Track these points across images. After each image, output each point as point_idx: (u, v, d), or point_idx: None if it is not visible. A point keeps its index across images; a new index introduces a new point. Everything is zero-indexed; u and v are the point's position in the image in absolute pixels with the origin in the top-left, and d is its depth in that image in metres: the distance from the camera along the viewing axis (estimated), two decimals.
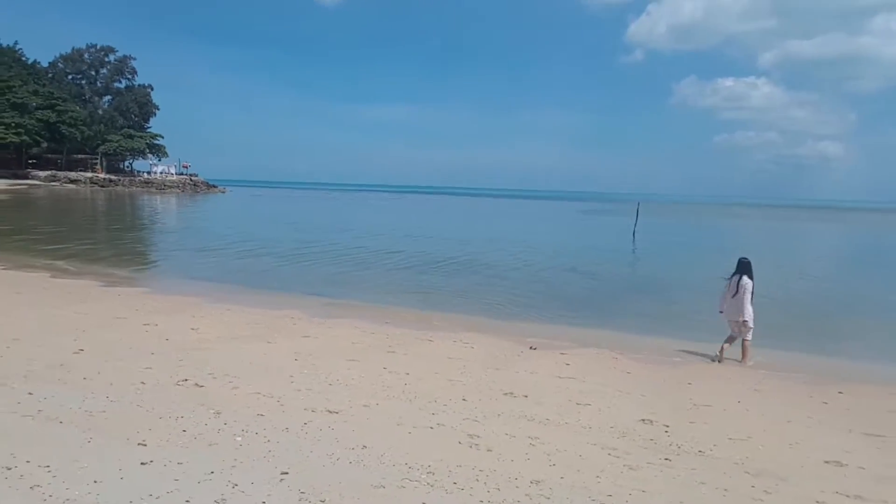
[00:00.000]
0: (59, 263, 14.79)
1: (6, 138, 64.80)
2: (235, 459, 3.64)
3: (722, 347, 8.22)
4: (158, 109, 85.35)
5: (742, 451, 4.53)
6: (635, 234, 30.37)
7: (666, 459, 4.27)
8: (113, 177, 72.98)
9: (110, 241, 21.90)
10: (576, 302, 12.94)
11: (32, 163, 71.25)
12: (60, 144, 72.39)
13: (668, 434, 4.86)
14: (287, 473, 3.50)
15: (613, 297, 14.03)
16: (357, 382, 5.73)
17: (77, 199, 49.67)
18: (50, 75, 79.32)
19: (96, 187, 68.43)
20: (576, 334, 9.59)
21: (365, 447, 4.03)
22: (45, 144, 70.95)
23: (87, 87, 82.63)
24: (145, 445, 3.76)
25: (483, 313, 11.21)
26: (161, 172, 77.47)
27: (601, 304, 12.95)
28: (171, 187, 74.17)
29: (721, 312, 8.44)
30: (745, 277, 8.07)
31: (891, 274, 21.30)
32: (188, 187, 75.77)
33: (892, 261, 26.91)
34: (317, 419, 4.55)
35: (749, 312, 7.99)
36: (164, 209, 45.21)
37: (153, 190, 71.69)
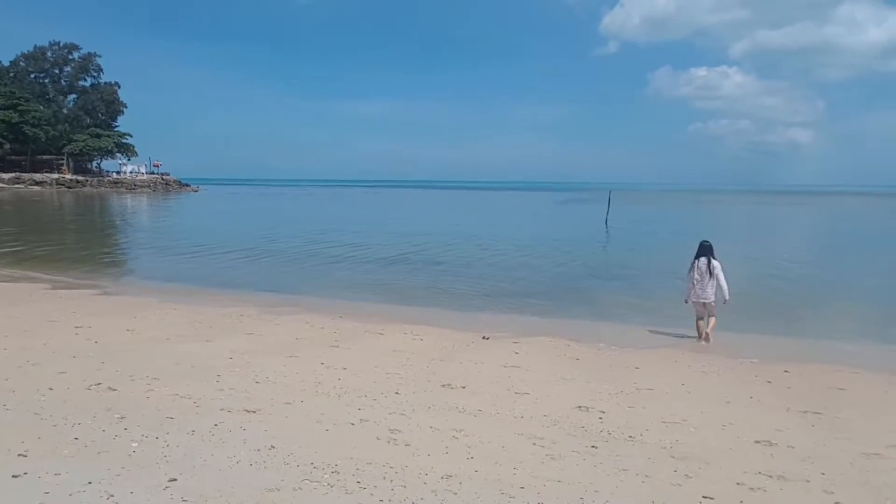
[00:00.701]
0: (7, 267, 14.19)
1: None
2: (123, 468, 3.38)
3: (699, 329, 8.27)
4: (126, 108, 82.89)
5: (672, 435, 4.41)
6: (608, 223, 30.47)
7: (592, 447, 4.12)
8: (80, 177, 70.86)
9: (67, 243, 21.16)
10: (538, 292, 12.81)
11: None
12: (24, 145, 70.00)
13: (601, 420, 4.72)
14: (175, 480, 3.25)
15: (578, 286, 13.93)
16: (287, 379, 5.49)
17: (41, 202, 48.12)
18: (11, 74, 76.52)
19: (63, 188, 66.39)
20: (534, 324, 9.46)
21: (272, 447, 3.80)
22: (8, 146, 68.51)
23: (50, 86, 79.88)
24: (25, 456, 3.48)
25: (443, 305, 11.02)
26: (131, 172, 75.53)
27: (564, 294, 12.83)
28: (141, 187, 72.37)
29: (686, 302, 8.36)
30: (714, 260, 8.08)
31: (850, 254, 21.66)
32: (159, 186, 74.05)
33: (853, 242, 27.40)
34: (230, 420, 4.30)
35: (725, 291, 8.00)
36: (131, 209, 44.06)
37: (123, 190, 69.85)
